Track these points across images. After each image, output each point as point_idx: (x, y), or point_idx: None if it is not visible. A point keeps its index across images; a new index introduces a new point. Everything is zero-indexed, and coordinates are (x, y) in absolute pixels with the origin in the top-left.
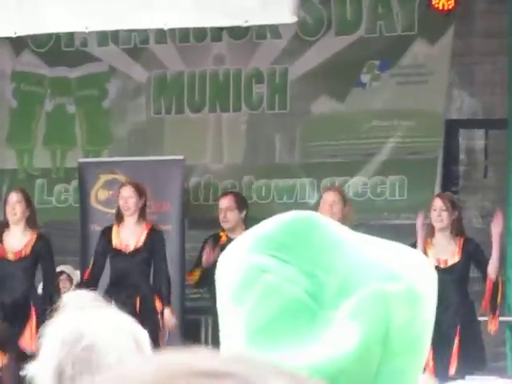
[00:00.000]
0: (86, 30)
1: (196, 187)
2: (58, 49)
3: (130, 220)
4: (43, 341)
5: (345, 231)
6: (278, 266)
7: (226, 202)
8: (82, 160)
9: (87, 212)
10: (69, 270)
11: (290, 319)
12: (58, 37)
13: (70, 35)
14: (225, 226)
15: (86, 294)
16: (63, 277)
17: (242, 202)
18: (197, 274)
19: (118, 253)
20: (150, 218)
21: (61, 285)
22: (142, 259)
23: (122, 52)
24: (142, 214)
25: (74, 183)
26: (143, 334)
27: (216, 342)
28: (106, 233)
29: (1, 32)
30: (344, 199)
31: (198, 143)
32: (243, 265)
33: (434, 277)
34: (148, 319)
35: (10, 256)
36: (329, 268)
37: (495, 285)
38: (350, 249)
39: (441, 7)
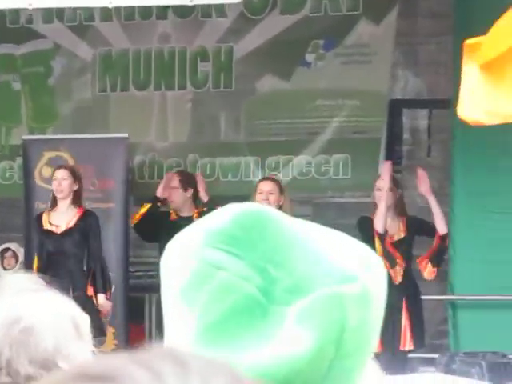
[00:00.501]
0: (30, 7)
1: (141, 165)
2: (3, 25)
3: (64, 203)
4: None
5: (298, 225)
6: (230, 262)
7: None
8: (26, 137)
9: (31, 189)
10: (14, 247)
11: (241, 316)
12: (2, 13)
13: (16, 12)
14: (171, 205)
15: (25, 276)
16: (8, 254)
17: (187, 181)
18: (143, 209)
19: (48, 234)
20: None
21: (5, 262)
22: (73, 241)
23: (67, 29)
24: (75, 198)
25: (19, 160)
26: (84, 319)
27: (159, 320)
28: (38, 218)
29: None
30: (281, 189)
31: (143, 121)
32: (195, 260)
33: (384, 276)
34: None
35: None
36: (281, 264)
37: (442, 238)
38: (304, 245)
39: None
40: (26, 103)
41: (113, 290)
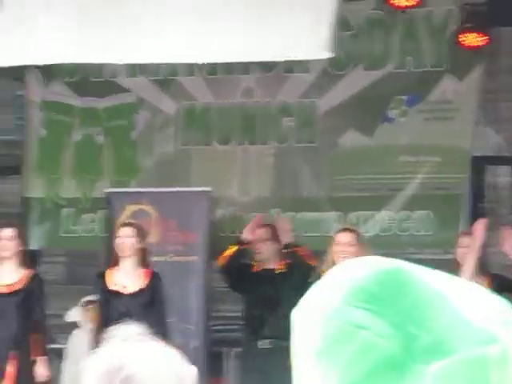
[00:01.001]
0: (120, 62)
1: (222, 219)
2: (86, 79)
3: (128, 262)
4: (86, 371)
5: (433, 278)
6: (370, 320)
7: (260, 234)
8: (109, 190)
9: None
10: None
11: (382, 376)
12: (86, 67)
13: (99, 66)
14: (257, 257)
15: (133, 327)
16: (93, 306)
17: (277, 234)
18: (229, 251)
19: (115, 295)
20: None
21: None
22: (142, 303)
23: (150, 83)
24: (141, 257)
25: (100, 213)
26: (190, 372)
27: (237, 374)
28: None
29: (31, 60)
30: (359, 239)
31: (225, 175)
32: (334, 320)
33: None
34: None
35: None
36: (421, 321)
37: None
38: (442, 301)
39: (470, 44)
40: (109, 156)
41: (193, 344)
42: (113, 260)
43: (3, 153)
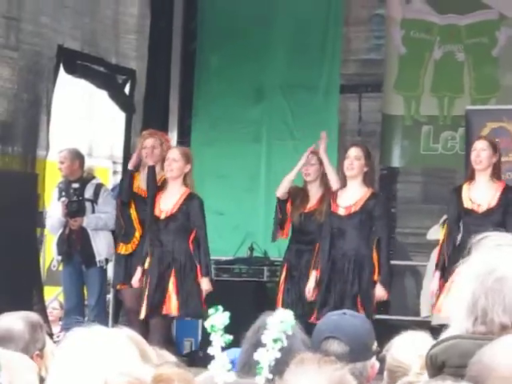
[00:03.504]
0: None
1: None
2: None
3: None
4: (459, 275)
5: None
6: None
7: None
8: (469, 107)
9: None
10: None
11: None
12: None
13: None
14: None
15: (505, 235)
16: None
17: None
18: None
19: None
20: None
21: None
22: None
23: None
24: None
25: (461, 131)
26: None
27: None
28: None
29: None
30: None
31: None
32: None
33: None
34: None
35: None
36: None
37: None
38: None
39: None
40: (469, 74)
41: None
42: (468, 176)
43: (363, 72)
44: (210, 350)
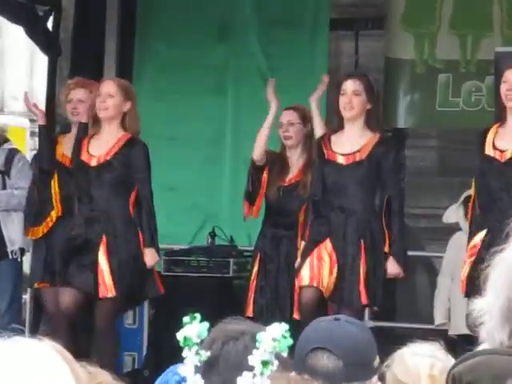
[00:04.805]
0: None
1: None
2: None
3: None
4: (491, 272)
5: None
6: None
7: None
8: (499, 49)
9: None
10: None
11: None
12: None
13: None
14: None
15: None
16: None
17: None
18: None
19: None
20: None
21: None
22: None
23: None
24: None
25: (488, 80)
26: None
27: None
28: None
29: None
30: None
31: None
32: None
33: None
34: None
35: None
36: None
37: None
38: None
39: None
40: (500, 4)
41: None
42: (498, 115)
43: (361, 1)
44: (182, 370)
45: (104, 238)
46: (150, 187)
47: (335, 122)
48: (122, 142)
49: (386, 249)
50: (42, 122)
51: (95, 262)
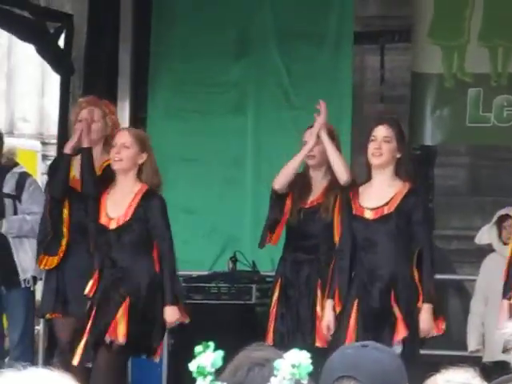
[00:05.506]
0: None
1: None
2: None
3: None
4: None
5: None
6: None
7: None
8: None
9: None
10: None
11: None
12: None
13: None
14: None
15: None
16: (507, 223)
17: None
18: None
19: None
20: None
21: (504, 234)
22: None
23: None
24: None
25: None
26: None
27: None
28: None
29: None
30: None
31: None
32: None
33: None
34: None
35: None
36: None
37: None
38: None
39: None
40: None
41: None
42: None
43: (387, 13)
44: None
45: (127, 299)
46: (171, 243)
47: (362, 170)
48: (139, 197)
49: (420, 304)
50: (68, 150)
51: (115, 312)
